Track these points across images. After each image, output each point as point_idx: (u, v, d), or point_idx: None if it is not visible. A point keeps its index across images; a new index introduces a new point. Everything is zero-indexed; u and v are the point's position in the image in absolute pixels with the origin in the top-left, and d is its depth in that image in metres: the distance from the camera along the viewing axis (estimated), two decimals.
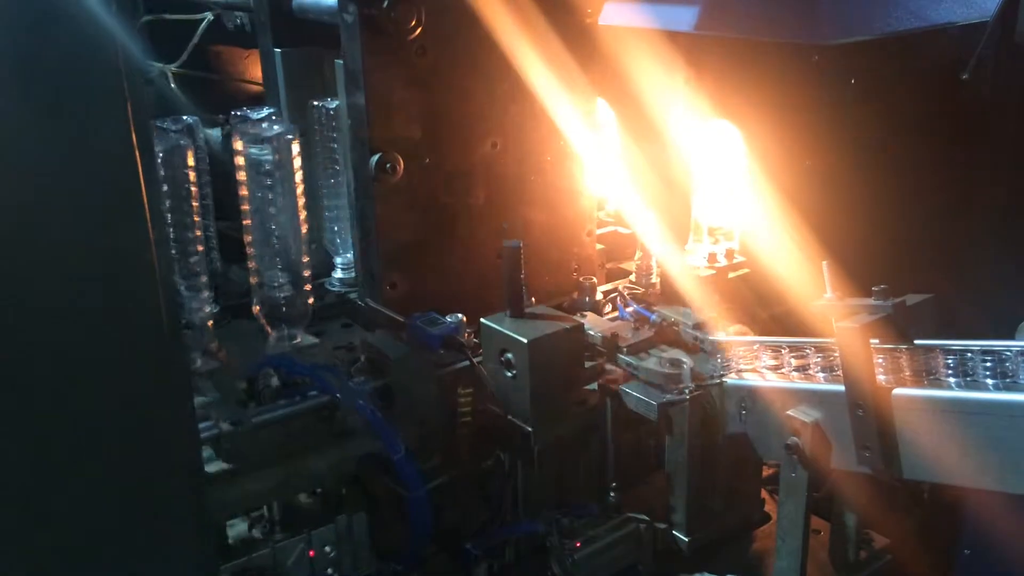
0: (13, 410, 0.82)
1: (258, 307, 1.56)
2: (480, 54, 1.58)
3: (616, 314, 1.63)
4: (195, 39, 2.16)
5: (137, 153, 0.82)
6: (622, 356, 1.44)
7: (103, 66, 0.79)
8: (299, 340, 1.58)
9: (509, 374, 1.36)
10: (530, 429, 1.37)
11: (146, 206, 0.83)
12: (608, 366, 1.45)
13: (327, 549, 1.29)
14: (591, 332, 1.47)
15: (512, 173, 1.69)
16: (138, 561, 0.92)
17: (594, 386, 1.41)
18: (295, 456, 1.28)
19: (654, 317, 1.52)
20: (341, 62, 1.57)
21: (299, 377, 1.33)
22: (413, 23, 1.48)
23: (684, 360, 1.37)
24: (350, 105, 1.56)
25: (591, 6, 1.68)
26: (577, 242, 1.79)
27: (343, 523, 1.31)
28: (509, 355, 1.36)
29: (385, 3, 1.44)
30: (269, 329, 1.57)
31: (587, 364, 1.44)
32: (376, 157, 1.52)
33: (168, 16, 2.21)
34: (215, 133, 2.06)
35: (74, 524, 0.87)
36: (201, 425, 1.20)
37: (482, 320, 1.41)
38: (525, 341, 1.33)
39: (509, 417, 1.38)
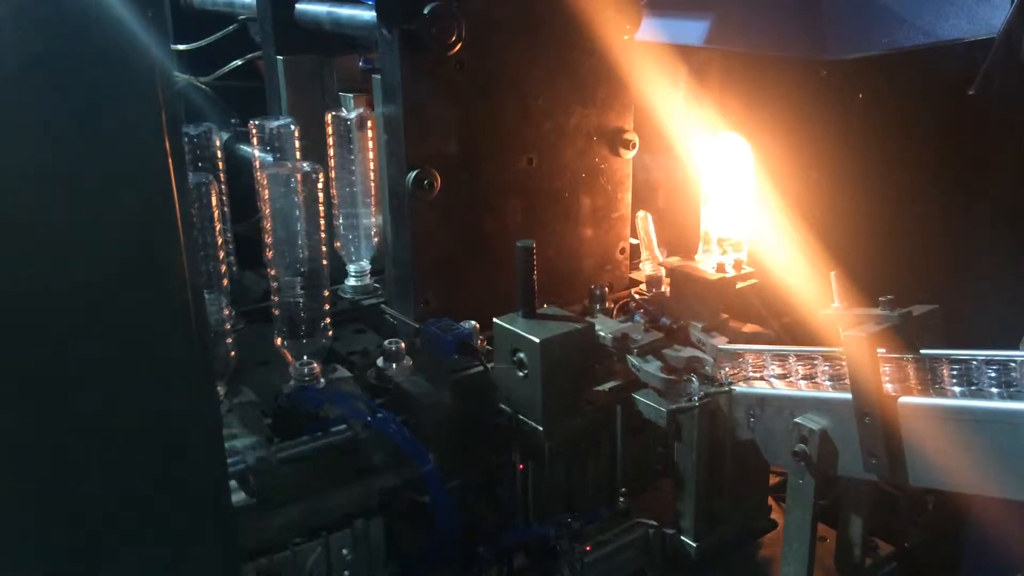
0: (33, 417, 0.83)
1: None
2: (516, 70, 1.57)
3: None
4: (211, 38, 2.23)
5: (170, 161, 0.84)
6: (631, 357, 1.44)
7: (139, 76, 0.81)
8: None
9: (521, 373, 1.37)
10: (540, 428, 1.37)
11: (178, 212, 0.85)
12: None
13: (344, 552, 1.30)
14: (602, 333, 1.47)
15: (547, 189, 1.67)
16: (160, 561, 0.93)
17: (605, 386, 1.42)
18: (319, 492, 1.29)
19: (664, 320, 1.52)
20: (379, 76, 1.56)
21: (323, 409, 1.33)
22: (453, 39, 1.47)
23: (702, 357, 1.38)
24: (387, 119, 1.55)
25: (629, 22, 1.68)
26: (611, 260, 1.78)
27: (360, 527, 1.32)
28: (521, 355, 1.37)
29: (425, 19, 1.43)
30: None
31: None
32: (413, 173, 1.51)
33: (203, 42, 2.27)
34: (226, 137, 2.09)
35: (94, 522, 0.88)
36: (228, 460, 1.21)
37: (495, 320, 1.41)
38: (537, 341, 1.34)
39: (520, 416, 1.38)
